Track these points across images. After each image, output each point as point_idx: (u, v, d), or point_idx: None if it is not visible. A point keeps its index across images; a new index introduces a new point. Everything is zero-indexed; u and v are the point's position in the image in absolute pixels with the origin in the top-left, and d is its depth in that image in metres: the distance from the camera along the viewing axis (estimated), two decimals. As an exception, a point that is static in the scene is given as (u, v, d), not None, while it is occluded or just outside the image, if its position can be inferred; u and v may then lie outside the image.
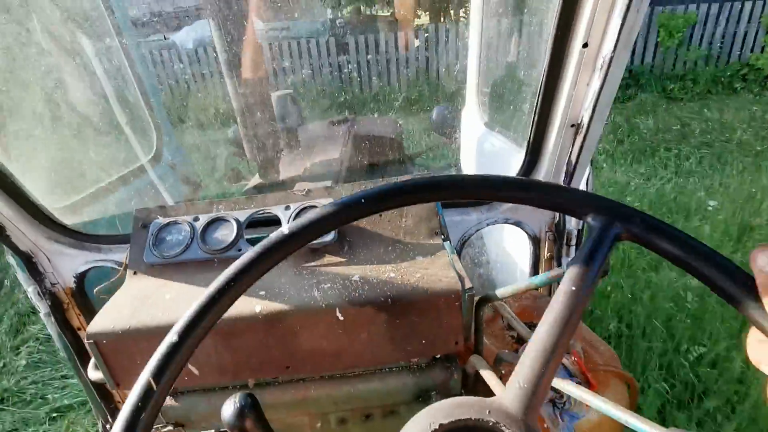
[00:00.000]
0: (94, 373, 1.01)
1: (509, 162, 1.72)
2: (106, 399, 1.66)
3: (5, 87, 1.58)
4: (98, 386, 1.62)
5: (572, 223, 1.36)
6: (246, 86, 2.01)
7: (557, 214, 1.35)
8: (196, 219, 1.06)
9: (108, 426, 1.72)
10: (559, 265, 1.41)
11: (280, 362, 0.92)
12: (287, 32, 8.93)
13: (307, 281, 0.94)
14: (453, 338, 0.92)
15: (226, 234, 1.04)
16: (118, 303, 0.94)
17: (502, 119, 1.86)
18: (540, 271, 1.45)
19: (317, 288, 0.91)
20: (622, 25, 0.86)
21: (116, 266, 1.38)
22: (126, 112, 2.11)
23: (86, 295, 1.49)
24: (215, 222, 1.05)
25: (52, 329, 1.49)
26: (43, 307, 1.42)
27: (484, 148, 1.99)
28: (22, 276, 1.38)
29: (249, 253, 0.56)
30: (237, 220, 1.05)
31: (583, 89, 1.01)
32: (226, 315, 0.89)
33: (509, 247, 1.62)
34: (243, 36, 2.01)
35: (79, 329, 1.52)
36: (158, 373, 0.49)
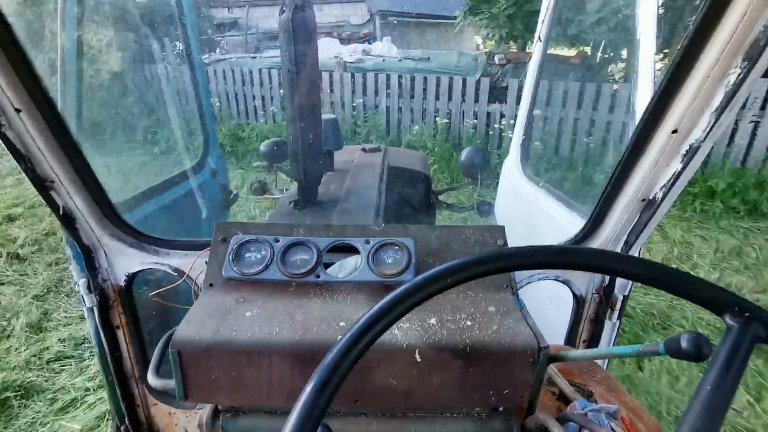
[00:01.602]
0: (155, 380, 1.02)
1: (552, 217, 1.78)
2: (126, 400, 1.64)
3: (87, 87, 1.63)
4: (123, 387, 1.61)
5: (618, 288, 1.40)
6: (303, 105, 2.07)
7: (606, 279, 1.40)
8: (277, 240, 1.09)
9: (122, 428, 1.70)
10: (601, 328, 1.44)
11: (351, 395, 0.93)
12: (425, 63, 7.97)
13: None
14: (520, 392, 0.94)
15: (305, 259, 1.07)
16: (200, 314, 0.96)
17: (549, 176, 1.92)
18: (580, 331, 1.48)
19: (397, 327, 0.94)
20: (716, 120, 0.92)
21: (171, 271, 1.40)
22: (179, 118, 2.16)
23: (132, 296, 1.50)
24: (296, 246, 1.09)
25: (91, 324, 1.49)
26: (89, 301, 1.43)
27: (523, 200, 2.05)
28: (76, 268, 1.39)
29: (419, 278, 0.59)
30: (317, 247, 1.08)
31: (663, 169, 1.07)
32: (304, 340, 0.91)
33: (546, 303, 1.66)
34: (305, 59, 2.09)
35: (117, 328, 1.52)
36: (328, 378, 0.52)
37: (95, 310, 1.44)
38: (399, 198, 2.79)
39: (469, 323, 0.96)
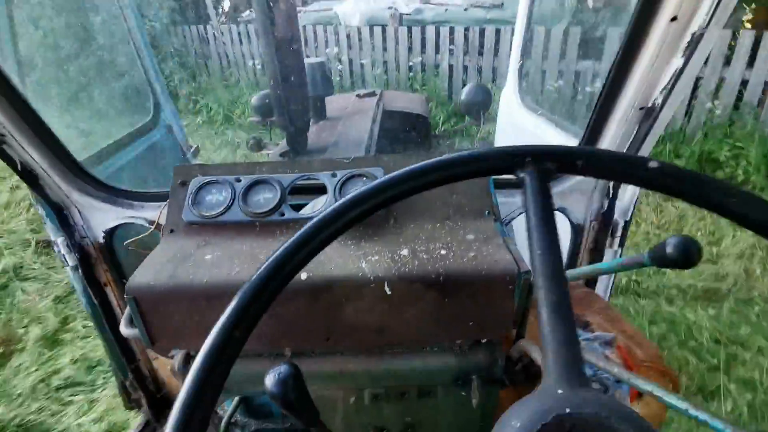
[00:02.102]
0: (127, 330, 0.99)
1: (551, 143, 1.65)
2: (127, 356, 1.66)
3: (38, 40, 1.53)
4: (121, 343, 1.62)
5: (619, 213, 1.30)
6: (282, 50, 1.94)
7: (605, 204, 1.29)
8: (238, 180, 1.02)
9: (126, 383, 1.73)
10: (601, 257, 1.36)
11: (321, 333, 0.89)
12: (498, 11, 6.28)
13: (354, 252, 0.90)
14: (503, 322, 0.88)
15: (269, 197, 1.00)
16: (157, 260, 0.91)
17: (546, 101, 1.78)
18: (579, 261, 1.40)
19: (364, 260, 0.87)
20: (719, 1, 0.78)
21: (147, 224, 1.35)
22: (122, 75, 2.05)
23: (114, 252, 1.47)
24: (258, 184, 1.01)
25: (77, 283, 1.47)
26: (71, 260, 1.40)
27: (523, 130, 1.92)
28: (51, 227, 1.35)
29: (336, 205, 0.52)
30: (280, 184, 1.01)
31: (662, 69, 0.93)
32: None
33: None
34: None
35: (105, 285, 1.51)
36: (237, 323, 0.46)
37: (78, 268, 1.42)
38: (393, 140, 2.68)
39: (443, 252, 0.88)
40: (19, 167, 1.17)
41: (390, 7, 6.94)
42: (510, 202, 1.31)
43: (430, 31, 6.15)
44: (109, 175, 1.78)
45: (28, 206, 4.13)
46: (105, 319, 1.55)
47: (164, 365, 1.75)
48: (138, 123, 2.06)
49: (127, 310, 1.02)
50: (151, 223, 1.35)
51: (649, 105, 1.01)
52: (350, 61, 6.92)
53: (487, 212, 1.00)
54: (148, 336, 0.89)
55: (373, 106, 2.86)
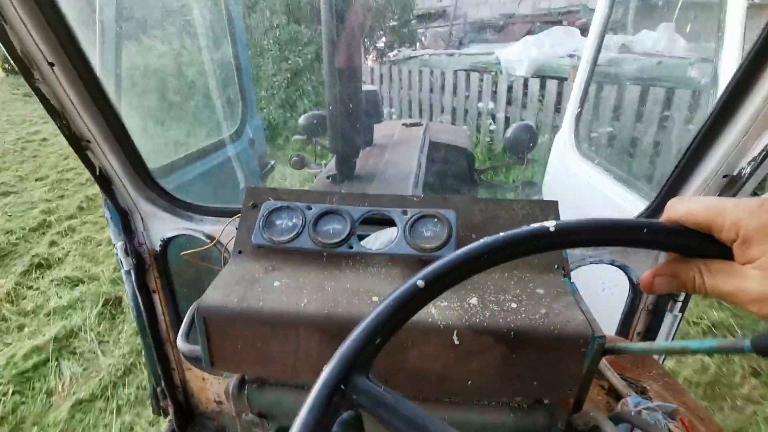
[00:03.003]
0: (183, 345, 0.99)
1: (608, 197, 1.62)
2: (162, 363, 1.67)
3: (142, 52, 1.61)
4: (159, 351, 1.63)
5: None
6: (344, 76, 1.99)
7: None
8: (309, 208, 1.03)
9: (159, 389, 1.74)
10: (660, 320, 1.31)
11: (381, 374, 0.87)
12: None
13: None
14: (568, 385, 0.85)
15: (338, 229, 1.01)
16: (227, 281, 0.92)
17: (605, 151, 1.75)
18: (635, 323, 1.35)
19: (433, 305, 0.86)
20: None
21: (204, 238, 1.38)
22: (219, 86, 2.14)
23: (167, 261, 1.50)
24: (328, 214, 1.02)
25: (128, 287, 1.51)
26: (126, 264, 1.44)
27: (576, 177, 1.89)
28: (113, 230, 1.40)
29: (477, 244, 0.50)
30: (351, 217, 1.01)
31: (754, 139, 0.91)
32: (334, 314, 0.85)
33: (597, 290, 1.52)
34: (347, 26, 1.99)
35: (153, 292, 1.53)
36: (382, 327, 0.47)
37: (132, 273, 1.45)
38: (440, 173, 2.68)
39: (514, 305, 0.86)
40: (97, 172, 1.22)
41: (571, 55, 5.27)
42: (569, 254, 1.28)
43: (632, 90, 4.12)
44: (185, 182, 1.85)
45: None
46: (148, 325, 1.57)
47: (195, 378, 1.76)
48: (224, 134, 2.14)
49: (184, 325, 1.03)
50: (209, 237, 1.37)
51: (735, 174, 0.98)
52: (506, 120, 5.32)
53: (556, 266, 0.98)
54: (209, 356, 0.89)
55: (420, 136, 2.88)
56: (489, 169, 3.41)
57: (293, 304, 0.85)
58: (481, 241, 0.50)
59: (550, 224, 0.49)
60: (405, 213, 1.01)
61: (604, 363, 1.13)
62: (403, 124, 3.26)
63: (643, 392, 1.17)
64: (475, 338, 0.82)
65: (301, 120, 3.52)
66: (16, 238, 4.48)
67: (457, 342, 0.82)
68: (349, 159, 2.25)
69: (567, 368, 0.83)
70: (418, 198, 1.05)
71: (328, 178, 2.42)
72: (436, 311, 0.84)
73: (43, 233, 4.65)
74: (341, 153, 2.20)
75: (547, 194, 2.33)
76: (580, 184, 1.85)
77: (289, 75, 7.41)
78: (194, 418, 1.88)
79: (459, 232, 1.00)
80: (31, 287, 3.61)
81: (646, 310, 1.31)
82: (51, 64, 0.99)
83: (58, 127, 1.09)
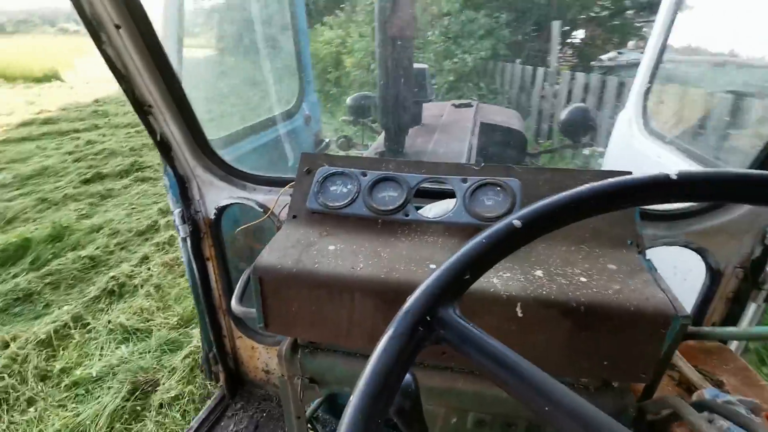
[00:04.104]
0: (238, 307, 1.00)
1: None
2: (215, 330, 1.72)
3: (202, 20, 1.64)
4: (212, 316, 1.68)
5: None
6: (396, 53, 1.94)
7: (755, 247, 1.13)
8: (364, 174, 1.00)
9: (211, 354, 1.80)
10: (742, 308, 1.19)
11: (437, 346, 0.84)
12: None
13: None
14: (642, 368, 0.78)
15: (393, 196, 0.97)
16: (282, 244, 0.91)
17: (682, 131, 1.61)
18: (711, 311, 1.24)
19: (495, 275, 0.81)
20: None
21: (256, 206, 1.39)
22: (277, 63, 2.15)
23: (220, 229, 1.53)
24: (384, 181, 0.99)
25: (184, 254, 1.55)
26: (182, 231, 1.47)
27: (643, 157, 1.76)
28: (172, 197, 1.43)
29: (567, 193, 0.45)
30: (407, 184, 0.97)
31: None
32: (390, 279, 0.83)
33: (668, 273, 1.41)
34: (400, 5, 1.94)
35: (207, 259, 1.57)
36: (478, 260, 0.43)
37: (188, 240, 1.49)
38: (491, 154, 2.59)
39: (583, 279, 0.80)
40: (158, 137, 1.25)
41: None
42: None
43: None
44: (242, 155, 1.88)
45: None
46: (203, 292, 1.61)
47: (245, 347, 1.80)
48: (281, 109, 2.17)
49: (238, 288, 1.04)
50: (261, 206, 1.38)
51: None
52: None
53: (630, 242, 0.90)
54: (263, 317, 0.89)
55: (471, 116, 2.79)
56: (542, 153, 3.27)
57: (348, 267, 0.83)
58: (588, 185, 0.44)
59: (672, 173, 0.42)
60: (464, 181, 0.96)
61: (678, 355, 1.04)
62: (452, 105, 3.17)
63: (719, 386, 1.07)
64: (540, 311, 0.76)
65: (349, 101, 3.50)
66: (117, 244, 3.95)
67: (520, 314, 0.77)
68: (397, 136, 2.21)
69: (643, 350, 0.76)
70: (478, 166, 1.00)
71: (376, 155, 2.40)
72: (499, 281, 0.79)
73: (146, 240, 4.08)
74: (390, 129, 2.17)
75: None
76: (648, 165, 1.72)
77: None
78: (244, 385, 1.93)
79: (523, 201, 0.94)
80: (86, 324, 2.98)
81: (725, 299, 1.20)
82: (117, 27, 1.01)
83: (123, 90, 1.12)
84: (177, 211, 1.44)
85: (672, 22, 1.84)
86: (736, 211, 1.10)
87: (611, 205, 0.44)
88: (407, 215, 0.95)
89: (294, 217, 1.01)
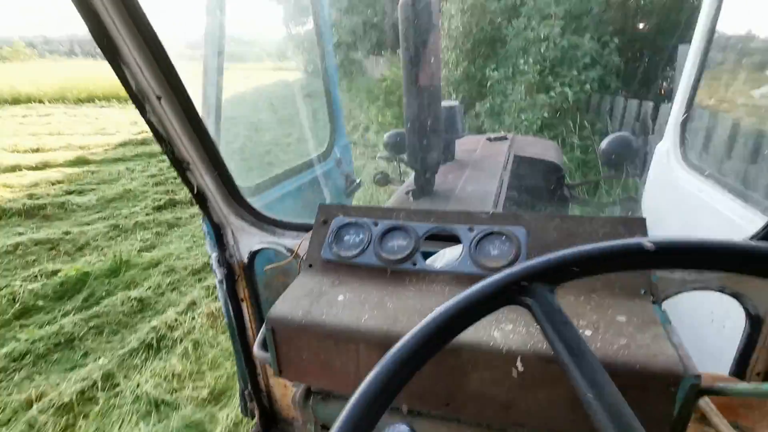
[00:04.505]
0: (259, 352, 1.06)
1: (720, 213, 1.41)
2: (249, 368, 1.79)
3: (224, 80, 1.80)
4: (247, 355, 1.75)
5: None
6: (423, 94, 2.01)
7: None
8: (376, 224, 1.05)
9: (246, 392, 1.87)
10: (789, 360, 1.09)
11: (442, 397, 0.84)
12: None
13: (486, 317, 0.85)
14: (656, 429, 0.74)
15: (402, 245, 1.01)
16: (296, 294, 0.96)
17: (719, 161, 1.54)
18: (754, 361, 1.14)
19: (497, 327, 0.82)
20: None
21: (285, 251, 1.47)
22: (309, 108, 2.29)
23: (254, 272, 1.62)
24: (394, 230, 1.03)
25: (221, 296, 1.65)
26: (219, 274, 1.58)
27: (681, 192, 1.68)
28: (209, 243, 1.55)
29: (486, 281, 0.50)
30: (416, 233, 1.01)
31: None
32: (392, 331, 0.85)
33: (705, 321, 1.32)
34: (426, 41, 2.02)
35: (242, 300, 1.66)
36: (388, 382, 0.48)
37: (224, 282, 1.59)
38: (523, 189, 2.56)
39: (588, 333, 0.78)
40: (195, 190, 1.37)
41: None
42: (665, 279, 1.14)
43: None
44: (273, 201, 2.00)
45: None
46: (238, 331, 1.70)
47: (280, 385, 1.86)
48: (313, 153, 2.30)
49: (261, 334, 1.10)
50: (290, 250, 1.46)
51: None
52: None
53: (643, 291, 0.88)
54: (277, 364, 0.94)
55: (504, 151, 2.78)
56: (581, 184, 3.17)
57: (354, 319, 0.87)
58: (553, 254, 0.49)
59: (645, 241, 0.46)
60: (471, 230, 0.98)
61: (710, 406, 0.97)
62: (488, 138, 3.18)
63: None
64: (541, 366, 0.76)
65: (385, 137, 3.61)
66: (169, 284, 3.83)
67: (521, 369, 0.77)
68: (427, 175, 2.25)
69: (652, 411, 0.73)
70: (487, 214, 1.02)
71: (407, 193, 2.44)
72: (499, 334, 0.80)
73: (198, 280, 3.97)
74: (419, 169, 2.21)
75: (647, 210, 2.09)
76: (687, 199, 1.64)
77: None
78: (278, 423, 1.98)
79: (530, 251, 0.94)
80: (115, 385, 2.79)
81: (766, 347, 1.11)
82: (158, 97, 1.14)
83: (164, 152, 1.25)
84: (214, 255, 1.55)
85: (709, 43, 1.78)
86: None
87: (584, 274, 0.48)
88: (415, 264, 0.98)
89: (310, 266, 1.07)
